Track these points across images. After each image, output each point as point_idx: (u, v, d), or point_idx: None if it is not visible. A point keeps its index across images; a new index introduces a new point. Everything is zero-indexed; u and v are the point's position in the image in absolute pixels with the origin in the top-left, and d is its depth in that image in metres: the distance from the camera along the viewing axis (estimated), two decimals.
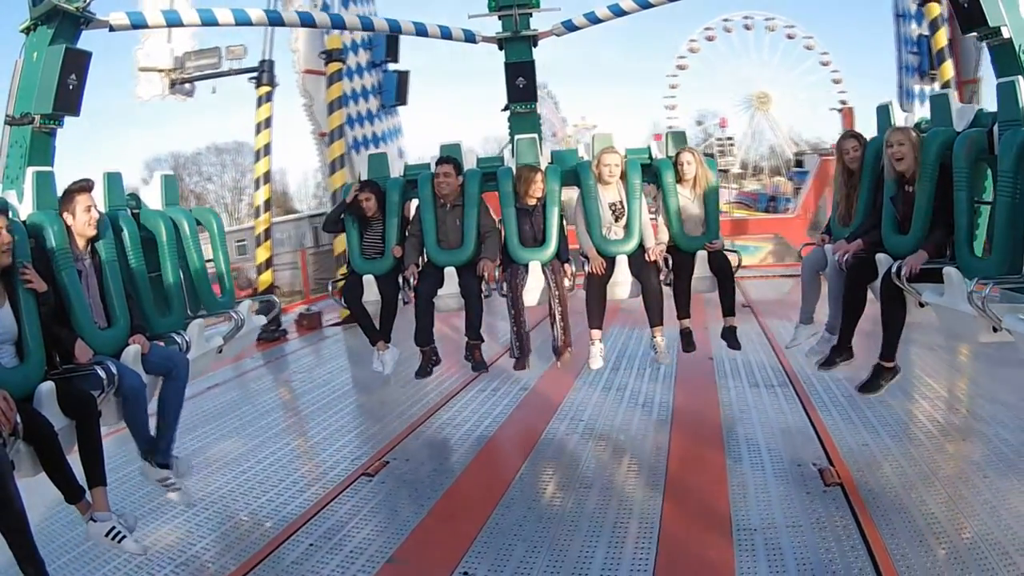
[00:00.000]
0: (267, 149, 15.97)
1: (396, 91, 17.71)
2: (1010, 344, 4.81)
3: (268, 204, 16.25)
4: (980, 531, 4.86)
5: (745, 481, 6.00)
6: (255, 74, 15.75)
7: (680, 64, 54.55)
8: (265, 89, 15.75)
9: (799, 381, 8.62)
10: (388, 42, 17.19)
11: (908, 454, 6.33)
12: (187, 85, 15.62)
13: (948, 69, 15.65)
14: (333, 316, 15.51)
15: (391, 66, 17.78)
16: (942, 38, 15.72)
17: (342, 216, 7.31)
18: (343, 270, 10.43)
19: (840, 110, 22.21)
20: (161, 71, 15.28)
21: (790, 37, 53.95)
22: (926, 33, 17.07)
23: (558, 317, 6.92)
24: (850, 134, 6.56)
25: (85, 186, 5.09)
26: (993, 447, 6.35)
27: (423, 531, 5.44)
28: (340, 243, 15.02)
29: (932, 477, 5.83)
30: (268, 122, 15.97)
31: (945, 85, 15.48)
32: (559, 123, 37.62)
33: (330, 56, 15.54)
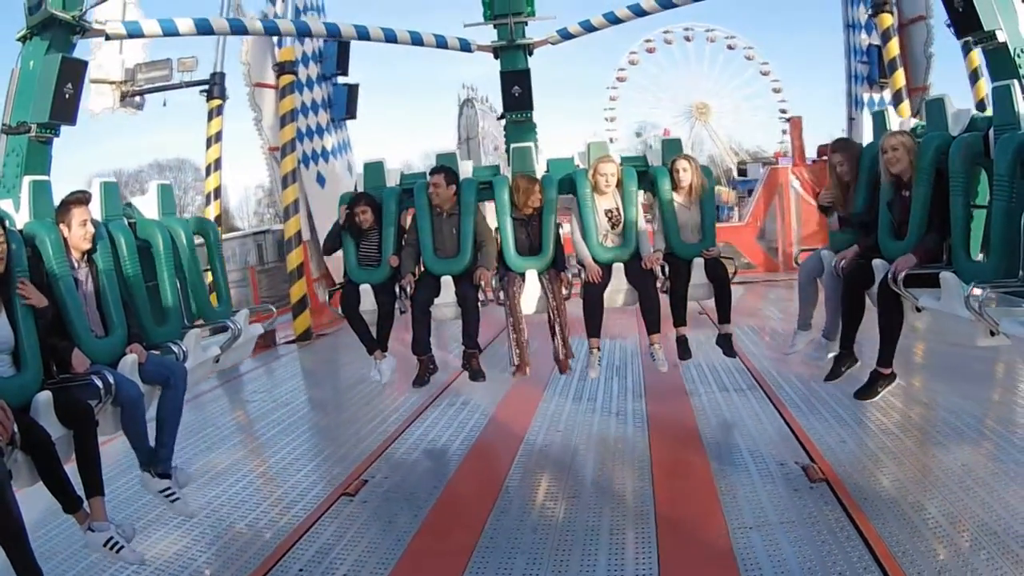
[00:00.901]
0: (217, 164, 15.85)
1: (346, 104, 17.57)
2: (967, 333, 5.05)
3: (219, 219, 16.16)
4: (963, 514, 5.08)
5: (732, 483, 6.04)
6: (206, 87, 15.66)
7: (620, 76, 55.01)
8: (216, 102, 15.69)
9: (767, 384, 8.73)
10: (338, 55, 17.03)
11: (885, 447, 6.53)
12: (138, 98, 15.47)
13: (900, 77, 16.08)
14: (287, 333, 15.13)
15: (340, 79, 17.61)
16: (894, 48, 16.13)
17: (340, 233, 7.33)
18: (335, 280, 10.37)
19: (789, 119, 22.40)
20: (112, 83, 15.11)
21: (731, 48, 54.66)
22: (876, 43, 17.55)
23: (558, 328, 6.94)
24: (837, 146, 6.56)
25: (81, 199, 5.06)
26: (959, 431, 6.76)
27: (416, 550, 5.31)
28: (294, 259, 14.98)
29: (911, 468, 6.07)
30: (219, 136, 15.91)
31: (897, 93, 16.05)
32: (500, 136, 37.82)
33: (282, 68, 15.37)
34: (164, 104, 15.80)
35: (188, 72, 15.48)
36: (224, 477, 7.03)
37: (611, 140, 55.89)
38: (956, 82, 17.98)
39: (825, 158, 20.07)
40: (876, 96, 17.86)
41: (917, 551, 4.62)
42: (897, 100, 16.15)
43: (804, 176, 20.15)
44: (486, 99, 35.87)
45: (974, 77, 15.38)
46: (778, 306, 6.87)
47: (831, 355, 6.42)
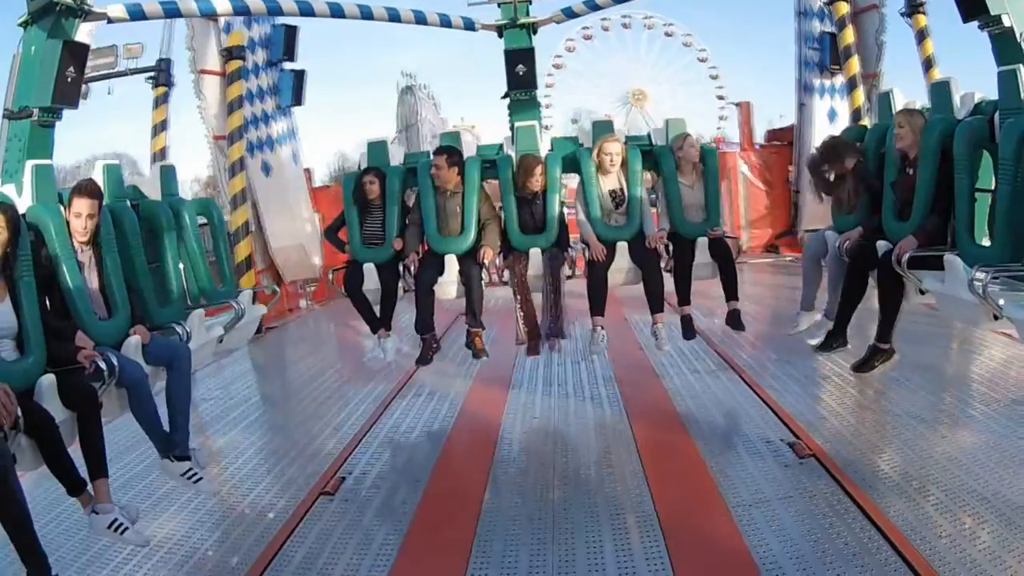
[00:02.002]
0: (163, 154, 15.42)
1: (292, 91, 16.98)
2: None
3: None
4: (949, 478, 5.29)
5: (722, 463, 6.07)
6: (152, 74, 15.29)
7: (556, 63, 54.43)
8: (162, 90, 15.33)
9: (737, 365, 8.72)
10: (286, 40, 16.55)
11: (865, 421, 6.73)
12: (83, 86, 15.05)
13: (855, 64, 16.46)
14: None
15: (287, 65, 16.99)
16: (849, 35, 16.50)
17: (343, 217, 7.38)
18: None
19: (738, 104, 22.33)
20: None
21: (668, 35, 54.20)
22: (828, 30, 17.79)
23: (551, 305, 6.96)
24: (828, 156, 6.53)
25: (85, 190, 5.04)
26: (935, 400, 6.99)
27: (412, 546, 5.09)
28: (242, 250, 14.69)
29: (893, 438, 6.26)
30: (164, 124, 15.57)
31: (851, 79, 16.47)
32: (440, 124, 37.41)
33: (231, 53, 15.05)
34: (109, 92, 15.30)
35: (134, 58, 15.06)
36: (188, 486, 6.30)
37: (547, 127, 56.25)
38: (907, 69, 18.47)
39: (776, 143, 20.32)
40: (827, 82, 18.19)
41: (916, 519, 4.74)
42: (851, 86, 16.55)
43: (752, 160, 20.27)
44: (425, 87, 35.49)
45: (927, 64, 15.75)
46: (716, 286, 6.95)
47: (824, 329, 6.47)
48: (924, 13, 15.70)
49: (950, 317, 5.79)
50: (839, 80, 17.82)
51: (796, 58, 18.96)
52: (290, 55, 16.79)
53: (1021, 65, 4.83)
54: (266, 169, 16.08)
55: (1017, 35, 4.87)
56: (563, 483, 5.95)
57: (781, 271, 7.02)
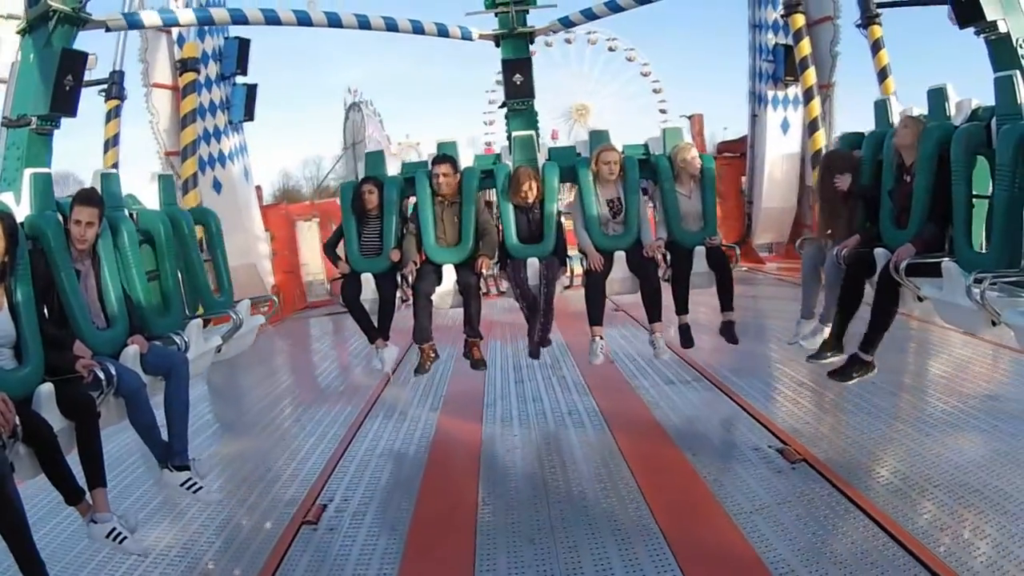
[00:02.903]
0: (115, 168, 15.05)
1: (244, 106, 16.63)
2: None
3: None
4: (940, 474, 5.59)
5: (714, 472, 6.11)
6: (104, 87, 14.90)
7: (499, 79, 54.52)
8: (114, 103, 15.00)
9: (708, 374, 8.78)
10: (239, 53, 16.15)
11: (847, 424, 7.05)
12: None
13: (811, 75, 16.63)
14: None
15: (239, 79, 16.60)
16: (806, 47, 16.70)
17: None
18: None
19: (690, 117, 22.53)
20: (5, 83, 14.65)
21: (612, 50, 54.19)
22: (782, 42, 18.18)
23: (541, 313, 6.95)
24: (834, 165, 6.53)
25: (85, 197, 5.04)
26: (912, 400, 7.40)
27: (411, 573, 4.99)
28: None
29: (878, 438, 6.58)
30: (116, 139, 15.07)
31: (808, 90, 16.63)
32: (384, 141, 37.25)
33: (185, 65, 14.86)
34: None
35: (88, 70, 14.85)
36: (157, 521, 5.99)
37: (488, 144, 55.97)
38: (862, 79, 18.71)
39: (728, 154, 20.42)
40: (780, 93, 18.52)
41: (917, 515, 4.98)
42: (808, 97, 16.70)
43: None
44: (371, 103, 35.31)
45: (883, 75, 16.01)
46: (691, 298, 6.96)
47: (820, 337, 6.48)
48: (879, 24, 15.99)
49: (949, 324, 5.79)
50: (792, 91, 18.21)
51: (749, 70, 19.35)
52: (243, 69, 16.51)
53: (1018, 71, 4.85)
54: (217, 187, 15.89)
55: (1013, 41, 4.89)
56: (558, 500, 5.86)
57: (739, 282, 6.97)
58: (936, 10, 15.47)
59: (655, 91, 53.86)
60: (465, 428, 7.79)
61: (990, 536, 4.63)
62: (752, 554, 4.72)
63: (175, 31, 14.68)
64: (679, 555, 4.76)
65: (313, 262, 18.81)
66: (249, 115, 16.83)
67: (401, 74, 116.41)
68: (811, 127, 16.54)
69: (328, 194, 37.29)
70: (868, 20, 15.97)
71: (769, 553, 4.69)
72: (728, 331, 7.27)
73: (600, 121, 54.40)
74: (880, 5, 15.87)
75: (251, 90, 16.73)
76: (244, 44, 16.17)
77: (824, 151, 14.66)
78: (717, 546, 4.92)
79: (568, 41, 52.94)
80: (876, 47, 16.01)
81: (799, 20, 16.57)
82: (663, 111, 52.31)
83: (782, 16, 17.70)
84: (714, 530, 5.12)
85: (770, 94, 18.46)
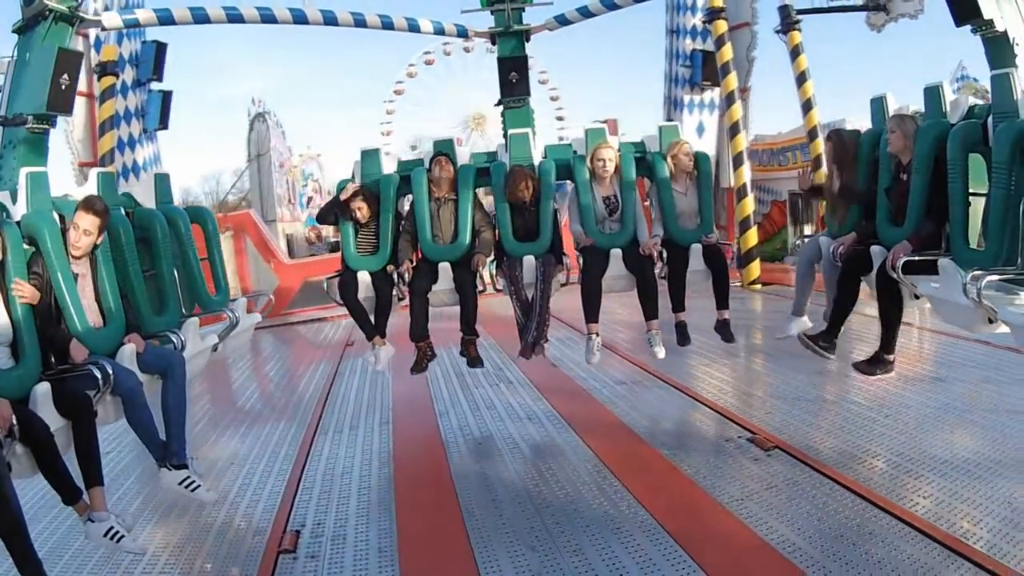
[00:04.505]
0: None
1: (160, 114, 15.90)
2: None
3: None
4: (909, 447, 6.11)
5: (694, 465, 6.18)
6: None
7: (397, 89, 54.36)
8: None
9: (661, 374, 8.81)
10: (155, 57, 15.52)
11: (808, 409, 7.38)
12: None
13: (733, 80, 16.82)
14: None
15: (155, 85, 15.98)
16: (727, 52, 16.85)
17: (335, 212, 7.32)
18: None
19: (604, 122, 22.77)
20: None
21: None
22: (699, 47, 18.52)
23: (537, 311, 6.94)
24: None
25: (89, 205, 5.02)
26: (863, 382, 7.46)
27: None
28: None
29: (843, 421, 6.97)
30: None
31: (729, 95, 16.84)
32: (286, 152, 36.96)
33: (104, 69, 14.40)
34: None
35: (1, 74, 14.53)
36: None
37: (386, 155, 56.02)
38: (781, 84, 19.80)
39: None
40: (696, 98, 18.85)
41: (895, 481, 5.49)
42: (729, 101, 16.87)
43: None
44: (274, 114, 34.86)
45: (801, 79, 16.30)
46: (619, 300, 6.98)
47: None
48: (799, 30, 16.24)
49: (946, 321, 5.79)
50: (708, 96, 18.59)
51: (665, 75, 19.59)
52: (159, 74, 15.89)
53: (1014, 69, 4.86)
54: None
55: (1010, 39, 4.90)
56: (545, 505, 5.72)
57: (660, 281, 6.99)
58: (854, 16, 16.25)
59: (552, 99, 54.25)
60: (424, 440, 7.58)
61: (969, 499, 5.10)
62: (755, 538, 4.82)
63: (92, 34, 14.41)
64: (687, 547, 4.77)
65: (229, 276, 18.25)
66: (164, 123, 16.21)
67: (298, 84, 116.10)
68: (732, 130, 16.79)
69: (229, 208, 36.58)
70: (788, 26, 16.25)
71: (771, 535, 4.81)
72: (724, 329, 7.27)
73: (495, 130, 54.79)
74: (800, 12, 16.15)
75: (167, 97, 16.11)
76: (161, 48, 15.60)
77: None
78: (719, 534, 4.98)
79: (467, 50, 53.05)
80: (795, 52, 16.32)
81: (721, 26, 16.77)
82: (560, 118, 52.97)
83: (704, 22, 17.94)
84: (712, 520, 5.19)
85: (686, 98, 18.80)
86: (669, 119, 18.59)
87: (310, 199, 40.95)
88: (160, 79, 15.96)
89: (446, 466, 6.77)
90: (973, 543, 4.49)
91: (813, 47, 16.81)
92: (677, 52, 19.01)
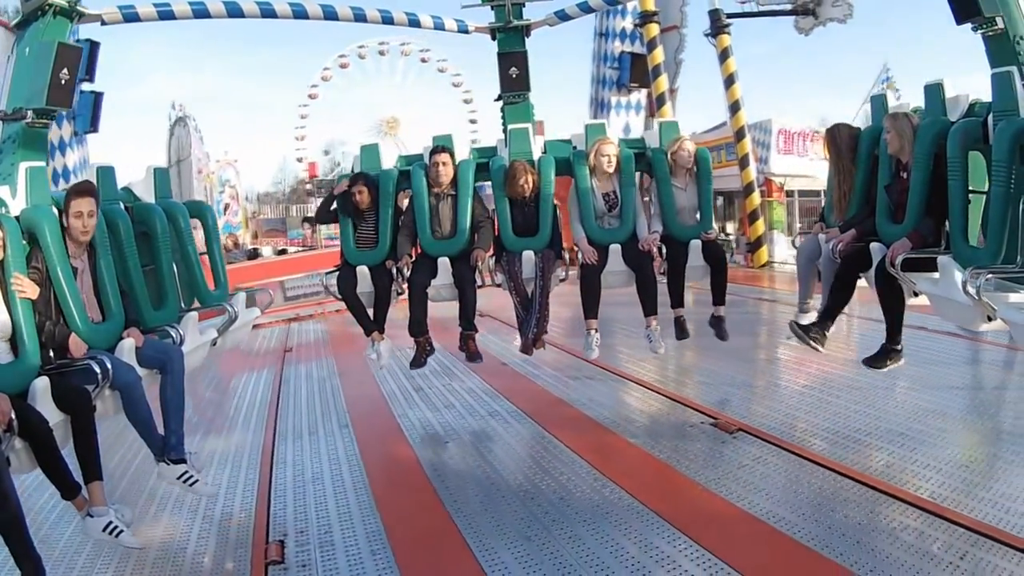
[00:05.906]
0: None
1: (91, 116, 15.58)
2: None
3: None
4: (858, 419, 6.86)
5: (666, 450, 6.45)
6: None
7: (312, 94, 54.26)
8: None
9: (609, 368, 9.14)
10: (89, 56, 14.98)
11: (761, 392, 8.13)
12: None
13: (664, 82, 17.39)
14: None
15: (86, 86, 15.51)
16: (659, 55, 17.36)
17: (332, 207, 7.31)
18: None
19: (538, 122, 23.12)
20: None
21: (424, 61, 54.41)
22: (628, 49, 19.10)
23: (538, 306, 6.95)
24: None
25: (83, 190, 5.04)
26: (808, 367, 8.49)
27: None
28: None
29: (798, 401, 7.64)
30: None
31: (660, 96, 17.35)
32: (204, 158, 36.62)
33: None
34: None
35: None
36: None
37: (299, 160, 56.84)
38: (709, 85, 19.88)
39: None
40: (623, 99, 19.47)
41: (868, 447, 6.21)
42: (660, 102, 17.33)
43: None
44: (193, 119, 34.48)
45: (729, 81, 16.69)
46: (557, 300, 7.04)
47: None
48: (728, 34, 16.59)
49: (945, 319, 5.81)
50: (635, 97, 19.26)
51: (592, 76, 20.09)
52: (91, 74, 15.44)
53: (1015, 67, 4.85)
54: None
55: (1011, 37, 4.88)
56: (530, 498, 5.71)
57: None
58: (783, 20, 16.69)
59: (465, 102, 54.35)
60: (389, 441, 7.50)
61: (897, 455, 5.96)
62: (742, 512, 5.09)
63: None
64: (680, 526, 4.91)
65: None
66: (94, 126, 15.56)
67: (214, 89, 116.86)
68: None
69: None
70: (717, 30, 16.54)
71: (755, 508, 5.11)
72: (718, 326, 7.29)
73: (409, 133, 54.76)
74: (730, 16, 16.46)
75: (98, 98, 15.18)
76: (94, 47, 14.86)
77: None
78: (708, 512, 5.19)
79: (382, 53, 53.07)
80: (724, 55, 16.64)
81: (653, 30, 17.09)
82: (472, 121, 53.42)
83: (636, 26, 18.14)
84: (697, 499, 5.41)
85: (613, 100, 19.38)
86: (595, 119, 18.88)
87: (227, 205, 40.89)
88: (92, 79, 15.59)
89: (418, 466, 6.71)
90: (922, 495, 5.19)
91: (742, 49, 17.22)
92: (605, 54, 19.47)
